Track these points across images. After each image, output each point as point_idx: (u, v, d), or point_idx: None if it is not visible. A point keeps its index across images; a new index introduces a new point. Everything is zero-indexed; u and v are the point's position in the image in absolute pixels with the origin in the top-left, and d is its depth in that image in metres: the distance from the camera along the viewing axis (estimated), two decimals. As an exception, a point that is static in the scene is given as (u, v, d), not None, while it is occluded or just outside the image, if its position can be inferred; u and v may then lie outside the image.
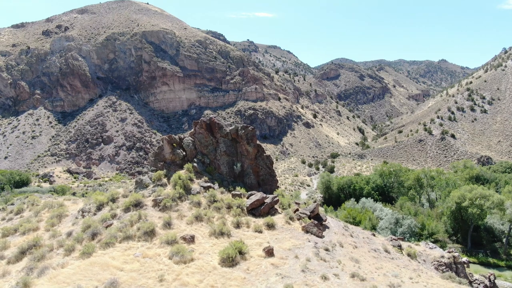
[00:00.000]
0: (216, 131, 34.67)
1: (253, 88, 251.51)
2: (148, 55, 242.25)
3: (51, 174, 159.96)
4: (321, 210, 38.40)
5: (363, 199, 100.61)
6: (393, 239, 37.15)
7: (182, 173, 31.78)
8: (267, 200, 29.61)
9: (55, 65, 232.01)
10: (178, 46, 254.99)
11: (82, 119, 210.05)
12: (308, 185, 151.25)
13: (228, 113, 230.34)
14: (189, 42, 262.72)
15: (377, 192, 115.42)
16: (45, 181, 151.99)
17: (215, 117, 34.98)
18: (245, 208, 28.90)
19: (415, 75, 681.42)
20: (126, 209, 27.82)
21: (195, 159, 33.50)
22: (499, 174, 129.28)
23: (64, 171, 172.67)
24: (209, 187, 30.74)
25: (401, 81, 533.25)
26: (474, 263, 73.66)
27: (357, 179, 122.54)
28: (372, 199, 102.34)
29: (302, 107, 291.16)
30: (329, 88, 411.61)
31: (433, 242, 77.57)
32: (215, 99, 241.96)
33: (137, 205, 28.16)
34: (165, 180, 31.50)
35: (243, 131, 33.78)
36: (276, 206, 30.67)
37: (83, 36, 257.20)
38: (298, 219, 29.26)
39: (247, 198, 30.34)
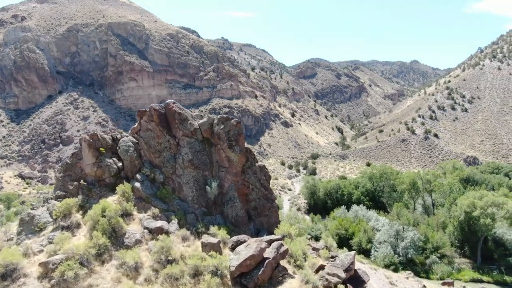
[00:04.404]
0: (177, 127, 20.56)
1: (229, 85, 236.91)
2: (115, 48, 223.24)
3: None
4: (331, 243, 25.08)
5: (355, 207, 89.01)
6: None
7: (112, 201, 17.47)
8: (268, 254, 15.78)
9: (9, 57, 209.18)
10: (148, 39, 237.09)
11: (39, 118, 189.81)
12: (290, 189, 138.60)
13: (202, 111, 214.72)
14: (159, 36, 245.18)
15: (367, 198, 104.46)
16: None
17: (175, 103, 20.80)
18: (228, 275, 14.96)
19: (388, 75, 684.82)
20: (-19, 287, 13.34)
21: (138, 175, 19.24)
22: (488, 175, 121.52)
23: (15, 175, 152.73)
24: (160, 229, 16.57)
25: (376, 80, 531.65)
26: (488, 282, 62.68)
27: (345, 183, 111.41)
28: (364, 206, 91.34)
29: (280, 106, 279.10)
30: (306, 87, 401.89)
31: (439, 258, 66.49)
32: (187, 96, 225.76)
33: (8, 275, 13.71)
34: (77, 216, 17.08)
35: (222, 127, 19.82)
36: (284, 261, 16.86)
37: (42, 27, 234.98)
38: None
39: (232, 249, 16.41)
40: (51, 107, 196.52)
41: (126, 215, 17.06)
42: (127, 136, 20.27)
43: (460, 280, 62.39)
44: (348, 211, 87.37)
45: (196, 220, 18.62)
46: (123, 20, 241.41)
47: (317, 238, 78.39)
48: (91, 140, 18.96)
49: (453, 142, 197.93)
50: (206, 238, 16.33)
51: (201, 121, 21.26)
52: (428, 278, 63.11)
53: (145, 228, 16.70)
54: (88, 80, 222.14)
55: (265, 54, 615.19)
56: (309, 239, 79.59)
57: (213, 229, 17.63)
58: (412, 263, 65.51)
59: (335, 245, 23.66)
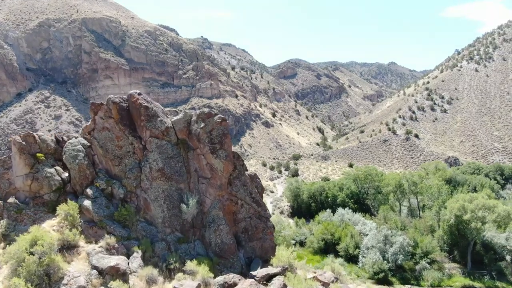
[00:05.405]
0: (143, 125, 15.77)
1: (208, 84, 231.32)
2: (89, 45, 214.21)
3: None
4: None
5: (340, 210, 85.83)
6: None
7: (50, 228, 12.53)
8: (268, 303, 11.18)
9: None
10: (124, 36, 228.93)
11: (7, 117, 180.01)
12: (272, 191, 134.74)
13: (181, 110, 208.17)
14: (136, 32, 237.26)
15: (352, 200, 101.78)
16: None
17: (140, 94, 15.97)
18: None
19: (367, 76, 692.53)
20: None
21: (89, 190, 14.30)
22: (469, 176, 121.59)
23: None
24: (114, 270, 11.70)
25: (355, 81, 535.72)
26: (480, 289, 60.06)
27: (329, 185, 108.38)
28: (349, 209, 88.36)
29: (261, 106, 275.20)
30: (287, 87, 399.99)
31: (429, 263, 63.76)
32: (166, 95, 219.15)
33: None
34: (-4, 251, 12.02)
35: (203, 125, 15.14)
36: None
37: (11, 21, 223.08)
38: None
39: (215, 295, 11.72)
40: (20, 106, 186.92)
41: (68, 248, 12.18)
42: (76, 138, 15.28)
43: (451, 286, 59.69)
44: (333, 214, 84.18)
45: (168, 250, 13.86)
46: (98, 16, 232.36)
47: (302, 244, 74.73)
48: (23, 142, 13.91)
49: (433, 142, 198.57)
50: (180, 282, 11.62)
51: (175, 118, 16.57)
52: (418, 285, 60.14)
53: (94, 267, 11.84)
54: (61, 78, 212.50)
55: (245, 54, 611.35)
56: (294, 244, 75.03)
57: (190, 264, 12.93)
58: (401, 269, 62.51)
59: (343, 272, 19.39)
